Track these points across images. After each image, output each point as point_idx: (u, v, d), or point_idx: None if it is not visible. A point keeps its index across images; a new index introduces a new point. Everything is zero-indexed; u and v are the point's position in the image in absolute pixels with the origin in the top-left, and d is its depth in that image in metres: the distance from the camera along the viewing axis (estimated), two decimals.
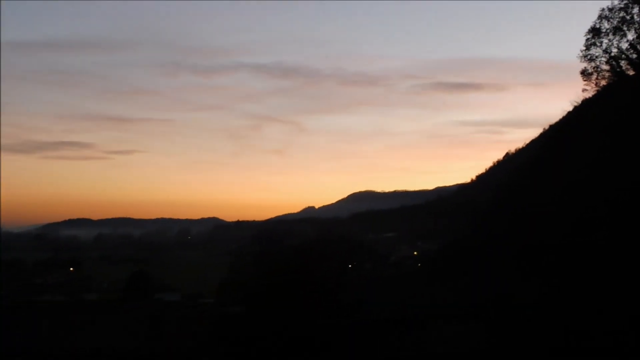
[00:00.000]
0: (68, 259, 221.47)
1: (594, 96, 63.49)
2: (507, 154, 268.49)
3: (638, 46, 59.06)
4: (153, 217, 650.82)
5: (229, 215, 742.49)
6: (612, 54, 60.08)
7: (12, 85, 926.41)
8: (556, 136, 80.00)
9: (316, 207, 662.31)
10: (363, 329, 48.79)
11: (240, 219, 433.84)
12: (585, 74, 61.31)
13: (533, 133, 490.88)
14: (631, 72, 59.65)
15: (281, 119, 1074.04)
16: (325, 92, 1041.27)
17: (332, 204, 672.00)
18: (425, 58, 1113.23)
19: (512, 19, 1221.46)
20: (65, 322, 42.54)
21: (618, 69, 60.33)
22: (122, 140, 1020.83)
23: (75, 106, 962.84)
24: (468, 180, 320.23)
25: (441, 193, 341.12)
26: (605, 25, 60.27)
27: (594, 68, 60.87)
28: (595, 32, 60.57)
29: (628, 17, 59.32)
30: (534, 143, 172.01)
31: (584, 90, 62.83)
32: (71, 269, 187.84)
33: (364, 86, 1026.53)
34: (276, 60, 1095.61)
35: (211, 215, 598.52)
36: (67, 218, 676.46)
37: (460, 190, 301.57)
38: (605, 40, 60.23)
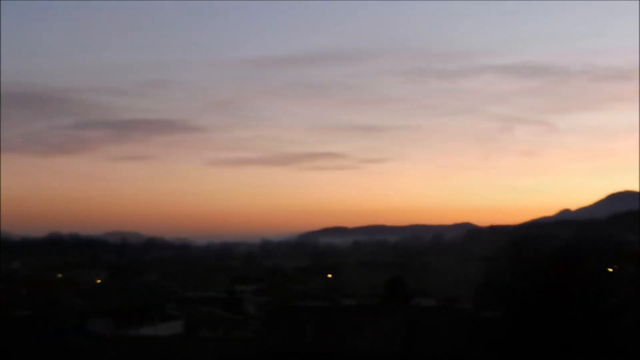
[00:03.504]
0: (326, 265, 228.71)
1: None
2: None
3: None
4: (407, 223, 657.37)
5: (482, 219, 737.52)
6: None
7: (266, 101, 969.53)
8: None
9: (572, 209, 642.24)
10: (627, 335, 46.94)
11: (494, 224, 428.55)
12: None
13: None
14: None
15: (531, 120, 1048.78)
16: (575, 90, 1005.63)
17: (589, 206, 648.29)
18: None
19: None
20: (327, 326, 44.02)
21: None
22: (373, 148, 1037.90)
23: (326, 117, 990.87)
24: None
25: None
26: None
27: None
28: None
29: None
30: None
31: None
32: (329, 275, 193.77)
33: (616, 81, 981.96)
34: (522, 60, 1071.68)
35: (464, 220, 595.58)
36: (324, 227, 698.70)
37: None
38: None
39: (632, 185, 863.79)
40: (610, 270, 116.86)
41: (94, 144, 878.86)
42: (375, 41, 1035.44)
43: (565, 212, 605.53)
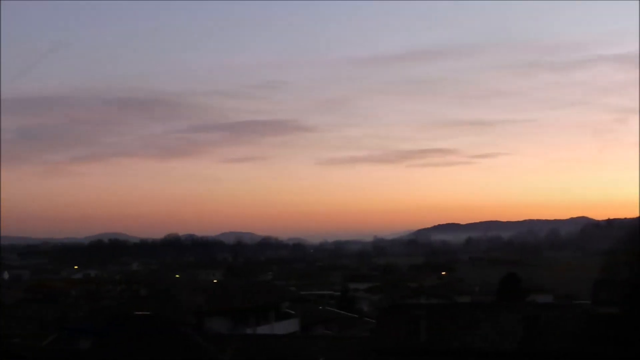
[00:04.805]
0: (440, 262, 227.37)
1: None
2: None
3: None
4: (521, 218, 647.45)
5: (599, 213, 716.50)
6: None
7: (376, 98, 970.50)
8: None
9: None
10: None
11: (611, 217, 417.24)
12: None
13: None
14: None
15: None
16: None
17: None
18: None
19: None
20: (442, 324, 43.83)
21: None
22: (484, 143, 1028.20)
23: (436, 113, 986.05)
24: None
25: None
26: None
27: None
28: None
29: None
30: None
31: None
32: (443, 272, 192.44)
33: None
34: (637, 49, 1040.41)
35: (580, 214, 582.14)
36: (436, 223, 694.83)
37: None
38: None
39: None
40: None
41: (207, 146, 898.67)
42: (484, 35, 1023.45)
43: None
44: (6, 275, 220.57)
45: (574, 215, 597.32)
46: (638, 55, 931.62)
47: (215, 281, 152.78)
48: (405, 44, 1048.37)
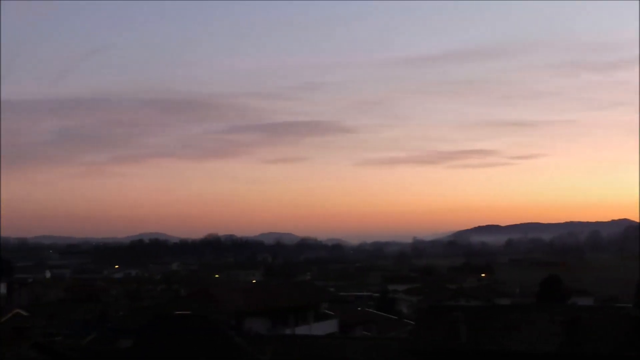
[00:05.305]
0: (480, 264, 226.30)
1: None
2: None
3: None
4: (562, 220, 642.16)
5: None
6: None
7: (416, 99, 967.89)
8: None
9: None
10: None
11: None
12: None
13: None
14: None
15: None
16: None
17: None
18: None
19: None
20: (482, 326, 43.56)
21: None
22: (525, 144, 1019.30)
23: (476, 113, 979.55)
24: None
25: None
26: None
27: None
28: None
29: None
30: None
31: None
32: (483, 274, 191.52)
33: None
34: None
35: (622, 216, 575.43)
36: (476, 225, 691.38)
37: None
38: None
39: None
40: None
41: (246, 147, 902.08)
42: (525, 34, 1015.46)
43: None
44: (48, 274, 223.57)
45: (616, 217, 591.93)
46: None
47: (254, 281, 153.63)
48: (445, 44, 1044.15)
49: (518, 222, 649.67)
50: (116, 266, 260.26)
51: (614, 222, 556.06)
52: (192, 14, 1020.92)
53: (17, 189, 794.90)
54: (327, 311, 78.19)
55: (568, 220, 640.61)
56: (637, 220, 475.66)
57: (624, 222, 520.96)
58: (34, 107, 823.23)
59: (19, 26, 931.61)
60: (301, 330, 66.86)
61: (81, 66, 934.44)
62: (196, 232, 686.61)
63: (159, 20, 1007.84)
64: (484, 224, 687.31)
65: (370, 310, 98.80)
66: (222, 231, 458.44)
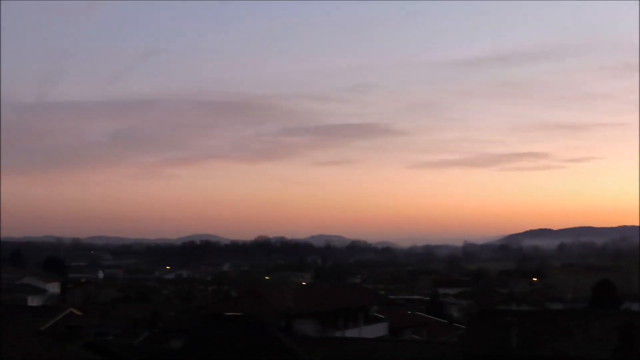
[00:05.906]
0: (531, 268, 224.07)
1: None
2: None
3: None
4: (615, 224, 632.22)
5: None
6: None
7: (468, 101, 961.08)
8: None
9: None
10: None
11: None
12: None
13: None
14: None
15: None
16: None
17: None
18: None
19: None
20: (533, 331, 43.11)
21: None
22: (578, 147, 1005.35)
23: (529, 116, 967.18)
24: None
25: None
26: None
27: None
28: None
29: None
30: None
31: None
32: (534, 279, 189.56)
33: None
34: None
35: None
36: (528, 229, 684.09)
37: None
38: None
39: None
40: None
41: (298, 149, 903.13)
42: (578, 36, 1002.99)
43: None
44: (101, 274, 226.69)
45: None
46: None
47: (304, 283, 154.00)
48: (497, 46, 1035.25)
49: (570, 226, 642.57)
50: (168, 267, 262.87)
51: None
52: (245, 16, 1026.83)
53: (72, 190, 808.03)
54: (377, 314, 78.02)
55: (621, 224, 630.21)
56: None
57: None
58: (89, 108, 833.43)
59: (75, 28, 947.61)
60: (351, 333, 66.84)
61: (136, 68, 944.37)
62: (247, 234, 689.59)
63: (213, 23, 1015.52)
64: (536, 228, 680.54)
65: (421, 314, 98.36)
66: (272, 233, 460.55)
